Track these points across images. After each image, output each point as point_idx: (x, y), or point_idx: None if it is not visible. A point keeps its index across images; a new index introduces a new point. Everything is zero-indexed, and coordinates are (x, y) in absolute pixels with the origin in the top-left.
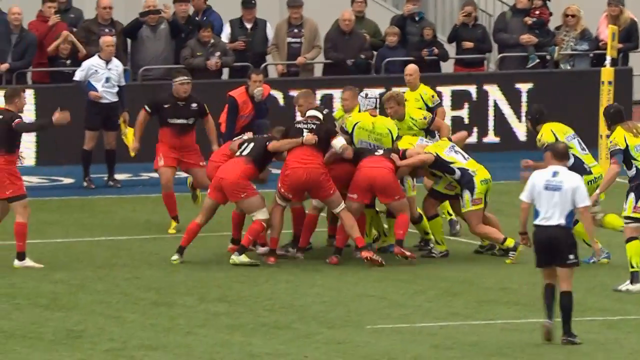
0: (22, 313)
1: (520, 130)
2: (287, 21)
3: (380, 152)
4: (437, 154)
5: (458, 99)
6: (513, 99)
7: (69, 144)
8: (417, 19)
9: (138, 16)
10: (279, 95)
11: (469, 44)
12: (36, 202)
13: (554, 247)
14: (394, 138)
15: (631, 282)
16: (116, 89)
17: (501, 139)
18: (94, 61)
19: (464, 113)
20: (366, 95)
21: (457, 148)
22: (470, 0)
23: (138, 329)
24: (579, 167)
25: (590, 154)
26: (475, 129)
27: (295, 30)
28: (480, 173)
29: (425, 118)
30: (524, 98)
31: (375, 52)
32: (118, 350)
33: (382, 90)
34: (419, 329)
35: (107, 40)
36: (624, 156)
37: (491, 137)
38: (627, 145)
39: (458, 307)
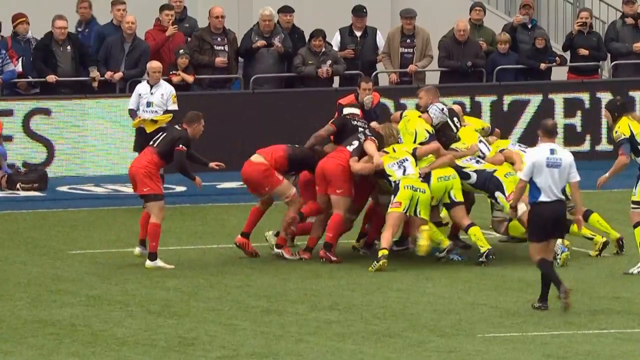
0: (135, 320)
1: None
2: (400, 31)
3: (354, 145)
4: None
5: (570, 107)
6: None
7: None
8: (529, 26)
9: (251, 45)
10: (389, 104)
11: (584, 51)
12: None
13: (560, 221)
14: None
15: None
16: (159, 113)
17: (614, 147)
18: (141, 86)
19: (576, 121)
20: (442, 109)
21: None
22: (585, 7)
23: (249, 337)
24: None
25: None
26: (588, 137)
27: (408, 40)
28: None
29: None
30: (638, 106)
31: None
32: (229, 357)
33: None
34: (531, 338)
35: (154, 65)
36: (631, 145)
37: (604, 145)
38: (632, 133)
39: (571, 316)
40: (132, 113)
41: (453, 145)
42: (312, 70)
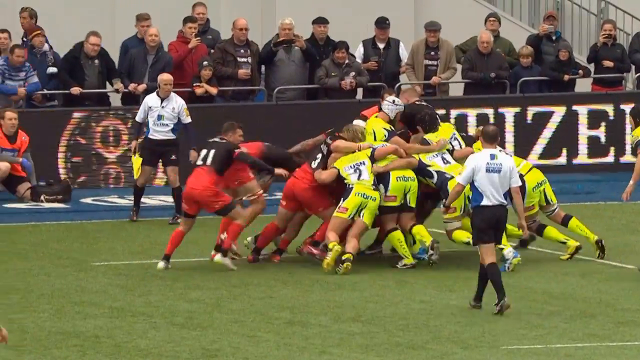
0: (159, 332)
1: None
2: (424, 43)
3: (317, 159)
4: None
5: (594, 119)
6: None
7: None
8: (553, 37)
9: (272, 46)
10: None
11: (609, 63)
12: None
13: (500, 225)
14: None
15: None
16: (170, 127)
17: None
18: (151, 99)
19: (600, 133)
20: (393, 101)
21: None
22: (609, 19)
23: (273, 348)
24: None
25: None
26: (612, 149)
27: (432, 53)
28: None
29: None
30: None
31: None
32: None
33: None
34: (555, 350)
35: (165, 78)
36: None
37: (628, 157)
38: None
39: (595, 328)
40: (137, 126)
41: (426, 136)
42: (336, 82)
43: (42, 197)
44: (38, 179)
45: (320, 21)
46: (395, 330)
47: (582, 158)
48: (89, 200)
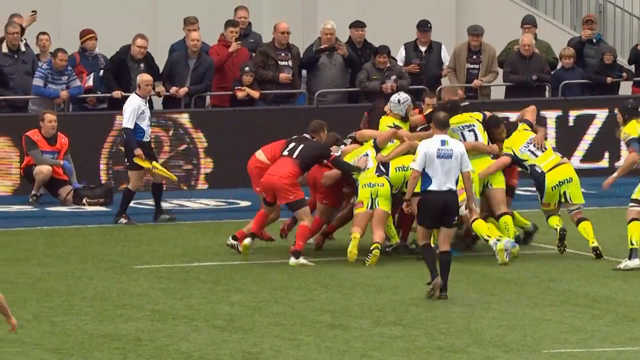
0: (200, 335)
1: None
2: (467, 46)
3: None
4: None
5: None
6: None
7: (244, 167)
8: (594, 40)
9: (314, 52)
10: None
11: None
12: (213, 224)
13: (447, 210)
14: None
15: (629, 258)
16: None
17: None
18: (137, 101)
19: None
20: (399, 101)
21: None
22: None
23: (314, 351)
24: None
25: None
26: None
27: (475, 57)
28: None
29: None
30: None
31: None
32: None
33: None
34: (597, 354)
35: (145, 79)
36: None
37: None
38: None
39: (637, 332)
40: (131, 137)
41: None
42: (377, 86)
43: (84, 200)
44: (80, 181)
45: (358, 25)
46: (437, 334)
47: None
48: (130, 203)
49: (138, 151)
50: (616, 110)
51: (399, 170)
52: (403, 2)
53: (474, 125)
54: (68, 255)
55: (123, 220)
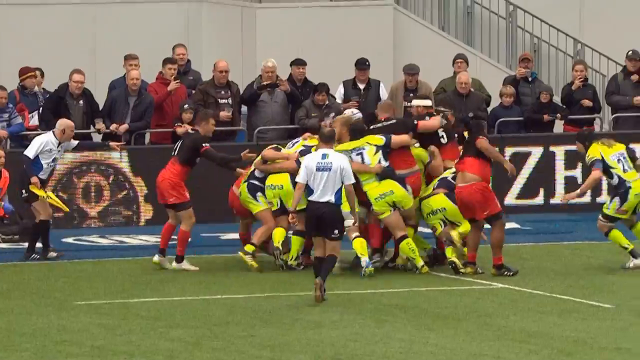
0: None
1: None
2: (404, 85)
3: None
4: None
5: (571, 159)
6: None
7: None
8: (529, 79)
9: (255, 89)
10: None
11: (589, 102)
12: (151, 260)
13: (323, 221)
14: None
15: (635, 258)
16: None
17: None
18: (49, 138)
19: (577, 173)
20: (353, 112)
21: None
22: (580, 59)
23: None
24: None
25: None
26: (589, 190)
27: (411, 95)
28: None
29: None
30: None
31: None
32: None
33: None
34: None
35: (69, 124)
36: (603, 165)
37: (605, 197)
38: (602, 157)
39: None
40: (29, 166)
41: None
42: (316, 123)
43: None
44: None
45: (299, 62)
46: None
47: (560, 198)
48: (70, 239)
49: (34, 179)
50: (576, 144)
51: (271, 188)
52: (341, 40)
53: (363, 149)
54: (8, 291)
55: (36, 256)
